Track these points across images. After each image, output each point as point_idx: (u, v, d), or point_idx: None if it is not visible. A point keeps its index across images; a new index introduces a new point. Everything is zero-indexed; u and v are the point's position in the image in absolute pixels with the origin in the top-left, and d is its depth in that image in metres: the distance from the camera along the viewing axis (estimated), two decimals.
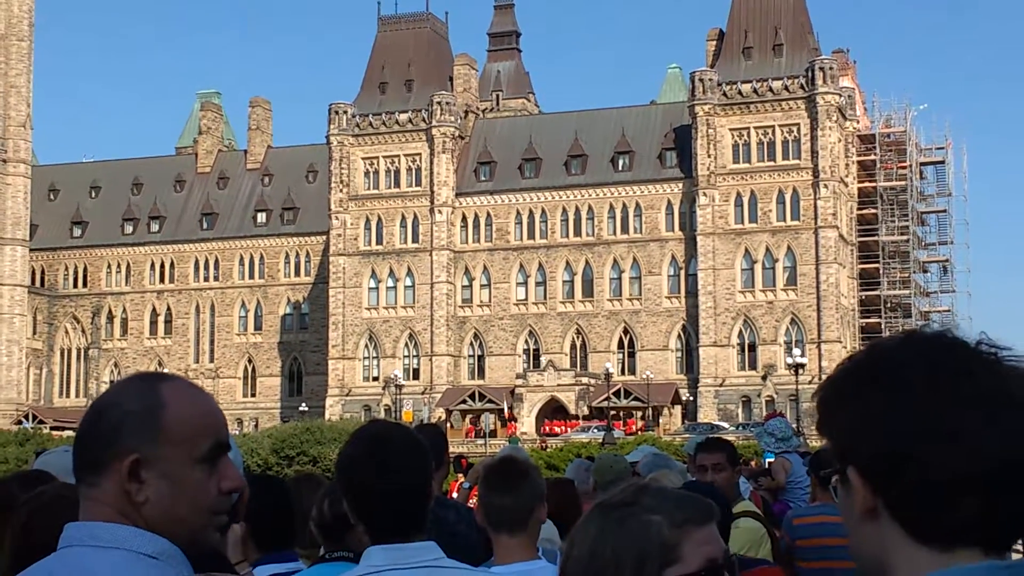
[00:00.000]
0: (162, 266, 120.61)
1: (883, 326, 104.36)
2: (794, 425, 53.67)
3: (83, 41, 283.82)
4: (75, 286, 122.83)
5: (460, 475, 21.04)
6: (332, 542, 4.48)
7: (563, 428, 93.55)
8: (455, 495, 20.19)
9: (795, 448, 12.58)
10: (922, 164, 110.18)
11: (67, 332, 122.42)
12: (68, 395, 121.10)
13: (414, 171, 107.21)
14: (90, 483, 2.30)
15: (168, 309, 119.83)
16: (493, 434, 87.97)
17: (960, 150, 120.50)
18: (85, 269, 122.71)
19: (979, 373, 1.73)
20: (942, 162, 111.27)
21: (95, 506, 2.29)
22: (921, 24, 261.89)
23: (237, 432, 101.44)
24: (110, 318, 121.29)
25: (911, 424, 1.71)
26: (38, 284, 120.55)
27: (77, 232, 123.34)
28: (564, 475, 9.51)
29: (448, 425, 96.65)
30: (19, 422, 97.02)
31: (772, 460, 13.55)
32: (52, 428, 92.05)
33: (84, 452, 2.33)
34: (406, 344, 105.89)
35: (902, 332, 1.85)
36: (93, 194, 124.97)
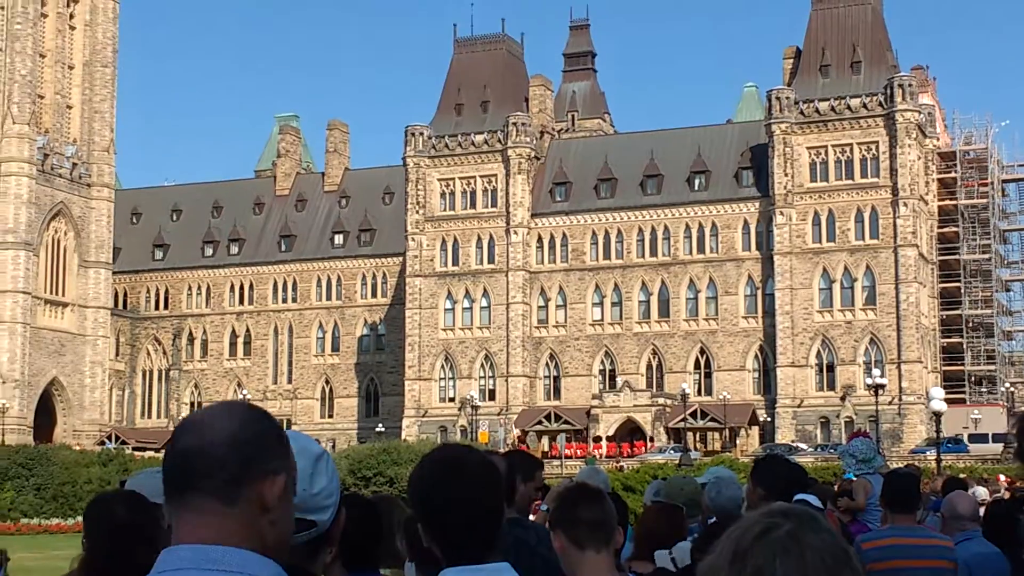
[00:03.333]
0: (241, 288, 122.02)
1: (964, 346, 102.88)
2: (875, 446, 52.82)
3: (164, 67, 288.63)
4: (156, 308, 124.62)
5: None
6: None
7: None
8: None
9: (877, 469, 12.41)
10: (1004, 181, 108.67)
11: (149, 354, 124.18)
12: (150, 416, 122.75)
13: (490, 192, 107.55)
14: (226, 500, 2.28)
15: (247, 330, 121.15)
16: (569, 457, 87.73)
17: None
18: (166, 291, 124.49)
19: None
20: None
21: (216, 526, 2.27)
22: (1001, 39, 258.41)
23: None
24: (191, 339, 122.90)
25: None
26: (121, 306, 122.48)
27: (159, 255, 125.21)
28: (644, 497, 9.40)
29: (524, 445, 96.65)
30: (102, 443, 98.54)
31: (853, 480, 13.38)
32: (134, 448, 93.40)
33: (218, 471, 2.29)
34: (482, 365, 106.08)
35: None
36: (174, 217, 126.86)
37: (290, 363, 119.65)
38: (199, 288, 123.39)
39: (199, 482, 2.30)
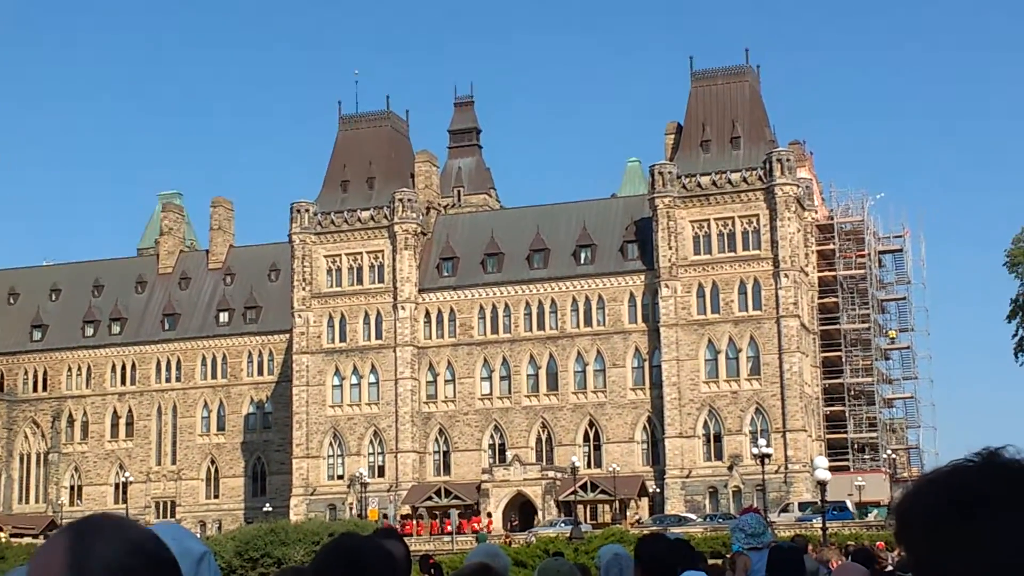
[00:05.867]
0: (123, 368, 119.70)
1: (847, 414, 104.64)
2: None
3: (42, 143, 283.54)
4: (35, 390, 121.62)
5: (424, 575, 20.78)
6: None
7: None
8: None
9: (767, 543, 12.47)
10: (881, 252, 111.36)
11: (27, 437, 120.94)
12: (27, 501, 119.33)
13: (376, 268, 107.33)
14: None
15: (129, 411, 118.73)
16: (459, 531, 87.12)
17: (918, 237, 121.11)
18: (45, 373, 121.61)
19: None
20: (900, 250, 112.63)
21: None
22: (876, 114, 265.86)
23: (200, 533, 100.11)
24: (70, 422, 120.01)
25: (1011, 556, 1.78)
26: None
27: (37, 335, 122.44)
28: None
29: (415, 522, 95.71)
30: None
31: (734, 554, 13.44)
32: (12, 535, 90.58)
33: None
34: (371, 441, 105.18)
35: (980, 454, 1.87)
36: (53, 297, 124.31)
37: (174, 443, 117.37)
38: (79, 369, 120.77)
39: None
